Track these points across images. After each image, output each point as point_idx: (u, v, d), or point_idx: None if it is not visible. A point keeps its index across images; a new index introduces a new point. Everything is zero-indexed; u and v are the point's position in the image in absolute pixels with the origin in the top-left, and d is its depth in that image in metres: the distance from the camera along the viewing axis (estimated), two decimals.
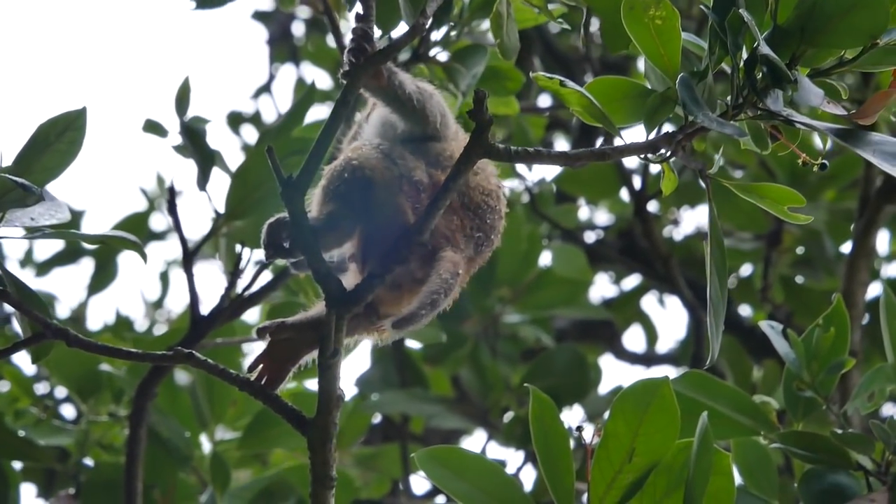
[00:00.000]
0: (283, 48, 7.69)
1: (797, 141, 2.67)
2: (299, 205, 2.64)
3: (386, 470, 5.80)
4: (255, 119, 7.46)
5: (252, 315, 5.72)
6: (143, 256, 2.78)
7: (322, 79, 7.41)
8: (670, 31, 2.58)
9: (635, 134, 2.59)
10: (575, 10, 2.87)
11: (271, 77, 7.72)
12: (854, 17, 2.51)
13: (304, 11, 7.49)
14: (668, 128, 2.69)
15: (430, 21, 2.72)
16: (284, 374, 2.84)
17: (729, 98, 2.61)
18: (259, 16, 7.62)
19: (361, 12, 2.73)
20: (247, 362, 4.43)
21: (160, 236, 7.14)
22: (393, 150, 2.81)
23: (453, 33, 3.55)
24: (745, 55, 2.58)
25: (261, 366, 2.83)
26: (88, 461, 4.51)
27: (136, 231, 5.57)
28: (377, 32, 2.80)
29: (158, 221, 7.20)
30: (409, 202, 2.74)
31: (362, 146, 2.81)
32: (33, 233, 2.71)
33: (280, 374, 2.84)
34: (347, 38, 2.74)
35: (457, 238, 2.78)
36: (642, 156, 2.67)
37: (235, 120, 7.36)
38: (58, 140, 2.72)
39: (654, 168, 2.71)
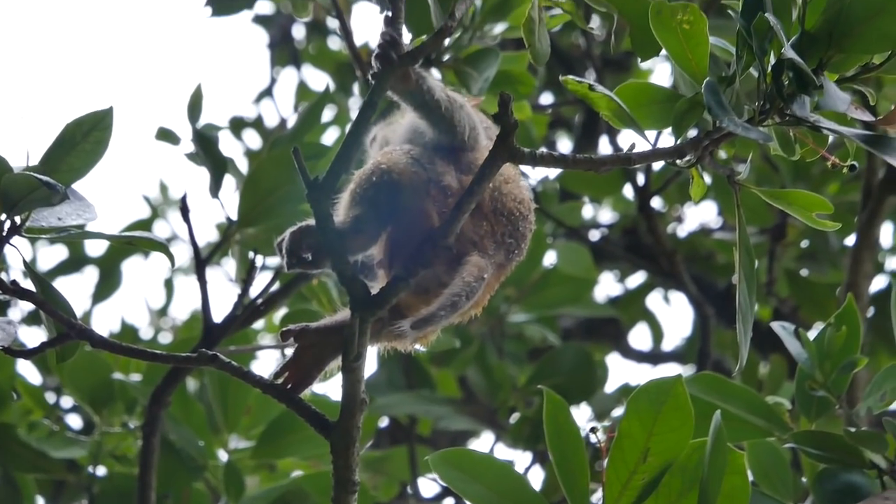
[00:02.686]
0: (284, 52, 7.65)
1: (825, 146, 2.66)
2: (325, 207, 2.62)
3: (394, 473, 5.76)
4: (258, 124, 7.42)
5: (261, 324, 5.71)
6: (171, 258, 2.75)
7: (323, 81, 7.39)
8: (698, 35, 2.58)
9: (654, 136, 2.62)
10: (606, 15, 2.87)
11: (273, 81, 7.68)
12: (881, 22, 2.51)
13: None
14: (695, 132, 2.70)
15: (457, 23, 2.70)
16: (310, 380, 2.85)
17: (756, 103, 2.61)
18: (260, 20, 7.57)
19: (390, 15, 2.72)
20: (257, 368, 4.43)
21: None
22: (423, 155, 2.80)
23: (465, 37, 3.55)
24: (772, 60, 2.58)
25: (287, 373, 2.83)
26: (101, 471, 4.49)
27: None
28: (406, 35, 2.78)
29: (162, 228, 7.19)
30: (435, 206, 2.74)
31: (392, 151, 2.80)
32: (60, 233, 2.69)
33: (305, 378, 2.84)
34: (374, 42, 2.73)
35: (485, 244, 2.76)
36: (669, 161, 2.67)
37: (238, 125, 7.32)
38: (84, 140, 2.69)
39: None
